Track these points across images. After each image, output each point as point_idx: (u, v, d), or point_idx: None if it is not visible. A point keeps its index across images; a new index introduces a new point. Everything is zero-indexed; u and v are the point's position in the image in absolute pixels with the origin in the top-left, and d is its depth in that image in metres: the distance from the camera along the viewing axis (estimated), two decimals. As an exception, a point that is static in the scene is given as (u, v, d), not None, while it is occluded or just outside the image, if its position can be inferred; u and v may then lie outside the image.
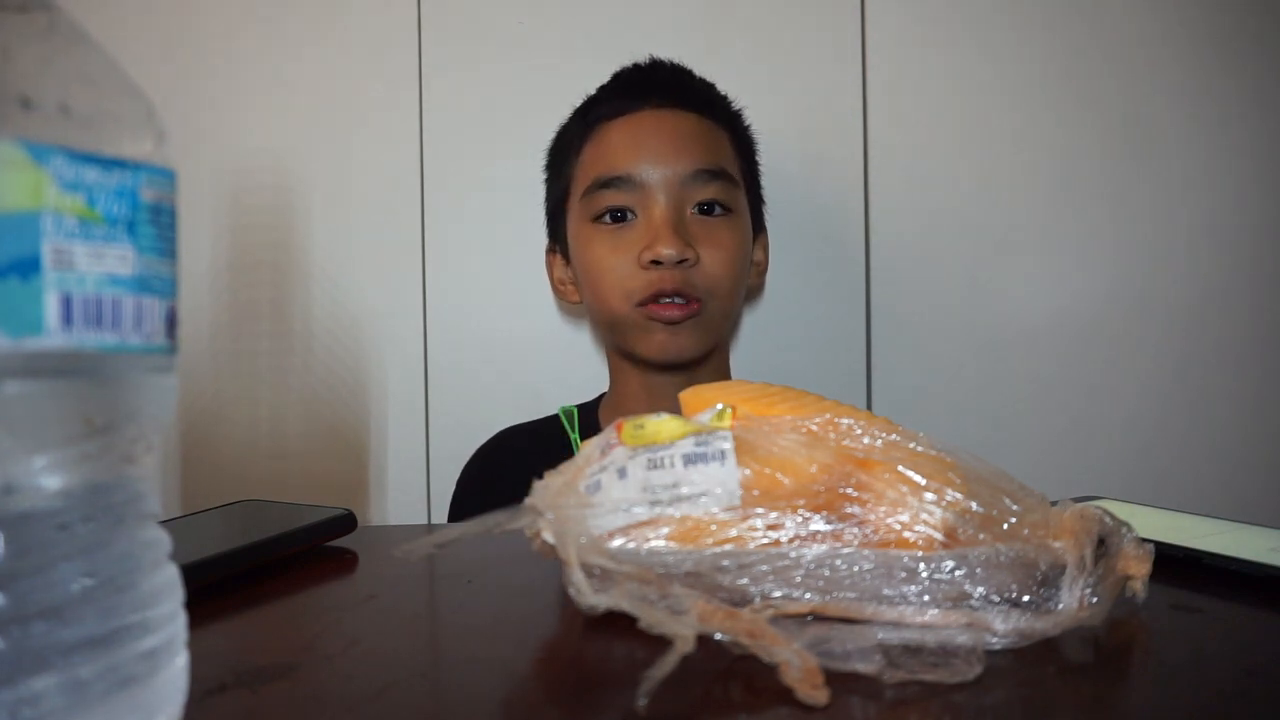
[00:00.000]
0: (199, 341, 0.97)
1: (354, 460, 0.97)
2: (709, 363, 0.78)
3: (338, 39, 0.97)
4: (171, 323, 0.23)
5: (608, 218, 0.74)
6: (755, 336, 0.95)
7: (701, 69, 0.82)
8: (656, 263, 0.71)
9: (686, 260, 0.71)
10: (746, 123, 0.83)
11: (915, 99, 0.93)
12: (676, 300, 0.72)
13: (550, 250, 0.86)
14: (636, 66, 0.81)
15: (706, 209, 0.74)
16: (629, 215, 0.74)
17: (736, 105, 0.83)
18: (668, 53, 0.81)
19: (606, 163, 0.75)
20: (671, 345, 0.73)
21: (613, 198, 0.74)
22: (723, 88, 0.82)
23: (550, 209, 0.85)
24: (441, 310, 0.97)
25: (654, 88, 0.77)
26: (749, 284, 0.81)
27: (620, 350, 0.80)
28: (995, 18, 0.92)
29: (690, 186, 0.73)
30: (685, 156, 0.74)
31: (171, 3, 0.98)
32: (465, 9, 0.96)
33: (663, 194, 0.73)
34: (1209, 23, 0.91)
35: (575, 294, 0.83)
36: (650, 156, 0.73)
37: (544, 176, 0.86)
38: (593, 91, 0.81)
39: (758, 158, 0.84)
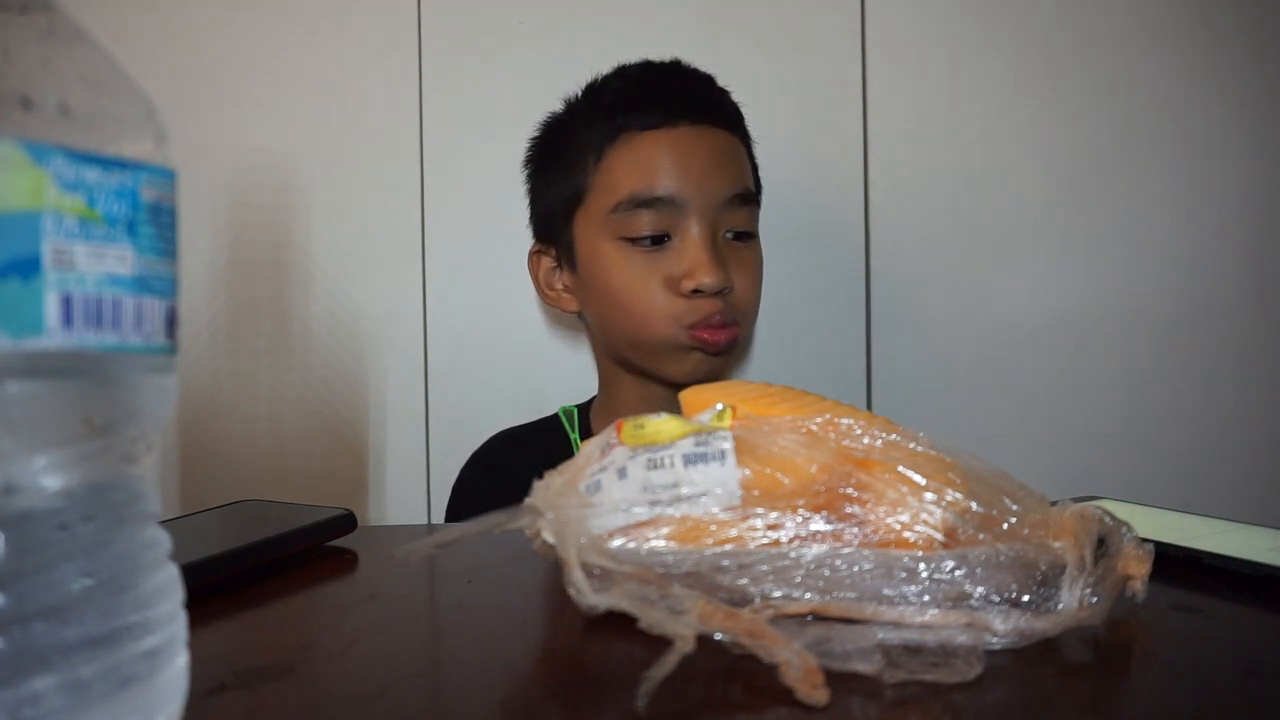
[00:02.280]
0: (199, 341, 0.97)
1: (354, 460, 0.97)
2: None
3: (338, 39, 0.97)
4: (171, 323, 0.23)
5: (648, 241, 0.71)
6: (756, 338, 0.95)
7: (701, 68, 0.81)
8: (697, 291, 0.70)
9: (726, 289, 0.71)
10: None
11: (915, 99, 0.93)
12: (721, 325, 0.71)
13: (540, 252, 0.81)
14: (658, 70, 0.78)
15: (737, 235, 0.73)
16: (665, 238, 0.72)
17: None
18: (667, 54, 0.80)
19: (645, 180, 0.71)
20: (705, 368, 0.73)
21: (652, 220, 0.71)
22: (722, 87, 0.82)
23: (546, 210, 0.79)
24: (441, 310, 0.97)
25: (689, 101, 0.74)
26: None
27: (637, 367, 0.77)
28: (994, 19, 0.92)
29: (725, 211, 0.72)
30: (724, 180, 0.72)
31: (171, 3, 0.98)
32: (465, 9, 0.96)
33: (700, 218, 0.71)
34: (1208, 26, 0.91)
35: (572, 303, 0.79)
36: (692, 178, 0.71)
37: (529, 170, 0.81)
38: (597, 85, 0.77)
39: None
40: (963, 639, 0.29)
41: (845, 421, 0.34)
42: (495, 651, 0.32)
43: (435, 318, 0.97)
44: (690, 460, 0.33)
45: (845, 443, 0.34)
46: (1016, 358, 0.93)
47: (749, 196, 0.74)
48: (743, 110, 0.79)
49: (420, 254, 0.97)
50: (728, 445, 0.33)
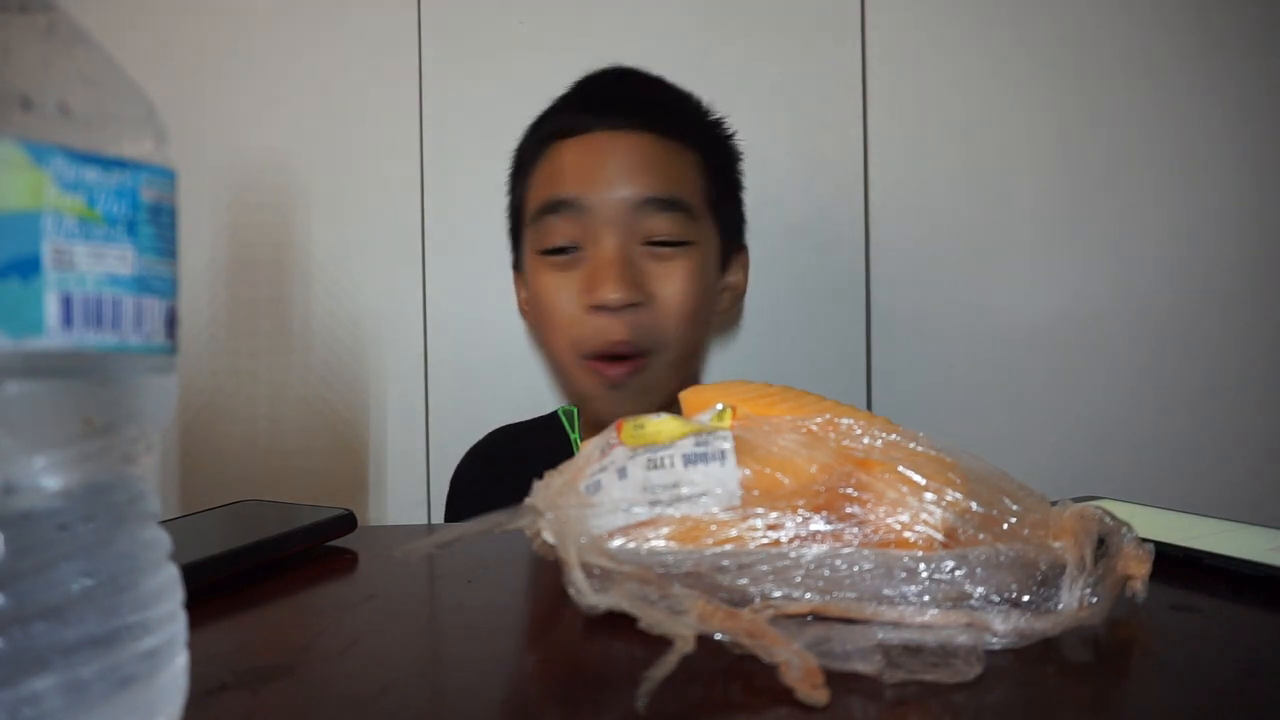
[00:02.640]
0: (199, 341, 0.97)
1: (354, 460, 0.97)
2: None
3: (338, 39, 0.97)
4: (171, 323, 0.23)
5: (560, 252, 0.68)
6: (756, 338, 0.95)
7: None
8: (602, 306, 0.65)
9: (637, 304, 0.66)
10: (730, 133, 0.77)
11: (915, 99, 0.93)
12: (621, 356, 0.66)
13: (515, 269, 0.80)
14: (602, 75, 0.76)
15: (663, 243, 0.68)
16: (576, 249, 0.68)
17: (716, 115, 0.77)
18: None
19: (552, 185, 0.69)
20: (616, 410, 0.63)
21: (558, 227, 0.68)
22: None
23: (511, 228, 0.79)
24: (441, 310, 0.97)
25: (613, 104, 0.71)
26: (719, 311, 0.76)
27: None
28: (994, 20, 0.92)
29: (640, 217, 0.67)
30: (636, 184, 0.67)
31: (171, 3, 0.98)
32: (465, 9, 0.96)
33: (610, 226, 0.67)
34: (1204, 29, 0.91)
35: None
36: (599, 183, 0.67)
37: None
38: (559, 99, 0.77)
39: (740, 174, 0.78)
40: (963, 639, 0.29)
41: (845, 421, 0.34)
42: (495, 651, 0.32)
43: (435, 318, 0.97)
44: (690, 460, 0.33)
45: (845, 443, 0.34)
46: (1016, 358, 0.93)
47: (673, 203, 0.68)
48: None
49: (420, 254, 0.97)
50: (728, 445, 0.33)
